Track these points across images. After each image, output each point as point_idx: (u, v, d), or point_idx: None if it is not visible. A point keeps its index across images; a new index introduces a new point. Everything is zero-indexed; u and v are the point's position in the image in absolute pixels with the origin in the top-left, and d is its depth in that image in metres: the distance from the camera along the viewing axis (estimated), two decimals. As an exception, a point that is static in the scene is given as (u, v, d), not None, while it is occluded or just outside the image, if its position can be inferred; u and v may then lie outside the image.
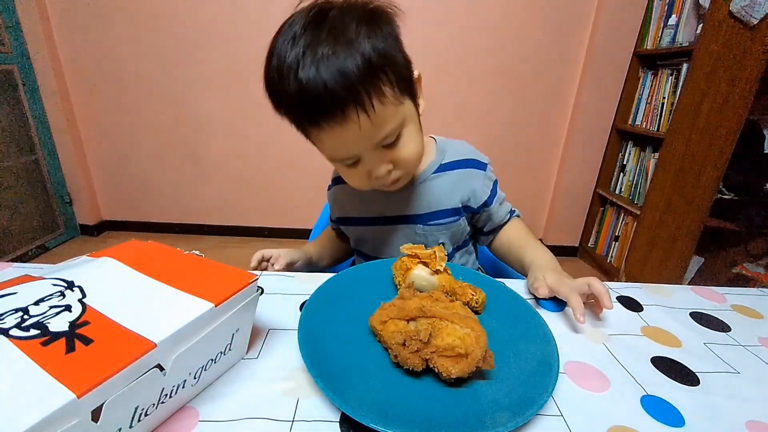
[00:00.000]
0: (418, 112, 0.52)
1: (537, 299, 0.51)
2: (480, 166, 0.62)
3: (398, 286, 0.49)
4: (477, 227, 0.67)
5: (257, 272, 0.54)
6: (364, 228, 0.65)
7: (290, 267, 0.63)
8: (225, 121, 2.01)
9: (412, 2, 1.68)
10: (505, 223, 0.65)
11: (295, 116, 0.47)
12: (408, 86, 0.49)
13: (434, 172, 0.61)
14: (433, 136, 0.66)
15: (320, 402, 0.33)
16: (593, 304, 0.49)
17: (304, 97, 0.42)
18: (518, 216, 0.67)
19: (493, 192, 0.63)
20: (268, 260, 0.62)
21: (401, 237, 0.62)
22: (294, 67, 0.41)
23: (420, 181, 0.60)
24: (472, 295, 0.46)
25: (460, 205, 0.61)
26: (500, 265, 0.74)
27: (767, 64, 1.33)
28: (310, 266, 0.68)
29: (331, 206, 0.70)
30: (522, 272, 0.59)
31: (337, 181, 0.68)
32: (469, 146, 0.65)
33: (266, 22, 1.87)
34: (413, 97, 0.51)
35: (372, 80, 0.42)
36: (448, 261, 0.56)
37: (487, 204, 0.62)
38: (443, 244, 0.62)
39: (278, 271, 0.59)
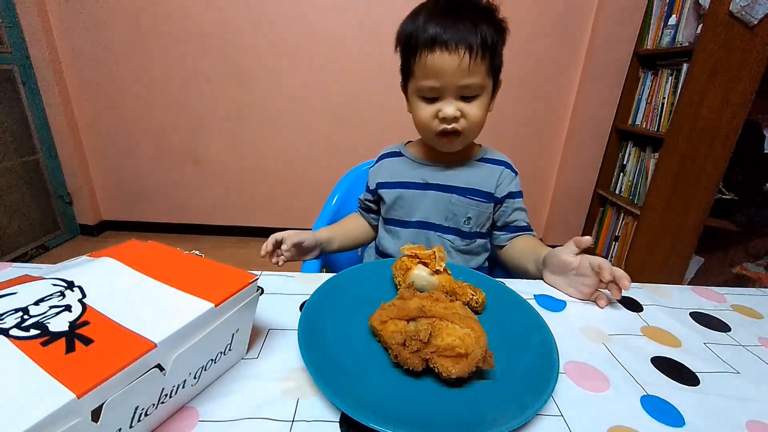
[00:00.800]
0: (490, 105, 0.65)
1: (538, 300, 0.51)
2: (513, 170, 0.73)
3: (398, 286, 0.49)
4: (493, 223, 0.73)
5: (257, 272, 0.54)
6: (403, 190, 0.72)
7: (299, 248, 0.67)
8: (225, 121, 2.01)
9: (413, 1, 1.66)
10: (520, 232, 0.71)
11: (418, 41, 0.58)
12: (494, 76, 0.63)
13: (477, 160, 0.72)
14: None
15: (320, 402, 0.33)
16: (612, 287, 0.51)
17: (435, 28, 0.57)
18: (534, 235, 0.72)
19: (517, 194, 0.72)
20: (280, 243, 0.66)
21: (436, 202, 0.70)
22: (434, 16, 0.58)
23: (465, 164, 0.71)
24: (472, 295, 0.46)
25: (491, 192, 0.70)
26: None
27: (767, 64, 1.33)
28: (320, 249, 0.71)
29: (373, 176, 0.77)
30: (536, 272, 0.61)
31: (387, 156, 0.77)
32: (506, 157, 0.75)
33: (266, 23, 1.88)
34: (493, 89, 0.64)
35: (483, 44, 0.57)
36: (466, 245, 0.70)
37: (510, 196, 0.70)
38: (470, 218, 0.69)
39: (286, 252, 0.65)
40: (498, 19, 0.61)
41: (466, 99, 0.61)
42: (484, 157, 0.72)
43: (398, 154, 0.75)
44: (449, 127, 0.61)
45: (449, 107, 0.60)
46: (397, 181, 0.73)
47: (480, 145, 0.75)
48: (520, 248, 0.69)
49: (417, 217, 0.71)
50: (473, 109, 0.61)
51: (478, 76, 0.59)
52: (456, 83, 0.58)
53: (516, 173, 0.73)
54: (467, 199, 0.69)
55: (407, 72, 0.64)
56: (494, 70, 0.62)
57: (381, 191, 0.75)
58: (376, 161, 0.79)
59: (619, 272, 0.49)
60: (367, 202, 0.79)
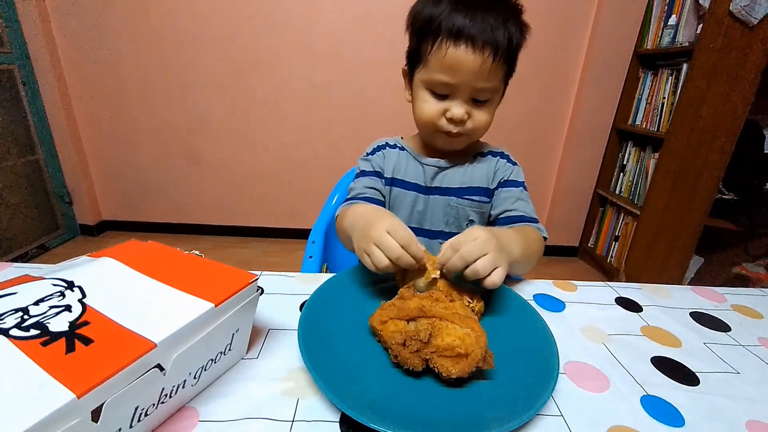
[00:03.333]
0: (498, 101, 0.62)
1: (537, 300, 0.51)
2: (510, 161, 0.69)
3: (398, 285, 0.48)
4: (491, 212, 0.67)
5: (257, 272, 0.54)
6: (405, 191, 0.68)
7: None
8: (225, 121, 2.01)
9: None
10: (521, 223, 0.62)
11: (440, 28, 0.53)
12: (506, 82, 0.60)
13: (474, 155, 0.69)
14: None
15: (320, 402, 0.33)
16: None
17: (464, 19, 0.52)
18: (542, 233, 0.62)
19: (514, 183, 0.67)
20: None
21: (437, 207, 0.67)
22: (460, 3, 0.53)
23: (462, 159, 0.68)
24: (469, 302, 0.43)
25: (489, 187, 0.67)
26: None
27: (767, 65, 1.33)
28: None
29: (380, 163, 0.70)
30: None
31: (387, 146, 0.71)
32: (505, 150, 0.72)
33: (266, 23, 1.88)
34: (501, 94, 0.61)
35: (508, 48, 0.54)
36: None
37: (505, 185, 0.67)
38: (472, 221, 0.67)
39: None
40: (523, 21, 0.57)
41: (477, 102, 0.57)
42: (482, 152, 0.69)
43: (398, 147, 0.70)
44: (455, 130, 0.58)
45: (458, 108, 0.56)
46: (400, 178, 0.68)
47: (478, 141, 0.70)
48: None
49: (415, 222, 0.68)
50: (482, 114, 0.58)
51: (495, 80, 0.55)
52: (472, 84, 0.54)
53: (514, 163, 0.69)
54: (466, 200, 0.66)
55: (417, 58, 0.59)
56: (508, 76, 0.59)
57: (388, 187, 0.69)
58: (376, 149, 0.71)
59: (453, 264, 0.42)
60: (374, 190, 0.67)
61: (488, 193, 0.67)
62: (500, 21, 0.52)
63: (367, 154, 0.72)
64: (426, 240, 0.67)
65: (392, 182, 0.69)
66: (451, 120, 0.57)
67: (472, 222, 0.66)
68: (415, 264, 0.43)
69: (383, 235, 0.43)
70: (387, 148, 0.71)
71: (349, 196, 0.68)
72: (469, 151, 0.69)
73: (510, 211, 0.63)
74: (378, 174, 0.69)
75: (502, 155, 0.69)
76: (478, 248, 0.42)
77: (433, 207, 0.67)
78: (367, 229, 0.46)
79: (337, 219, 0.67)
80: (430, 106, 0.58)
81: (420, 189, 0.67)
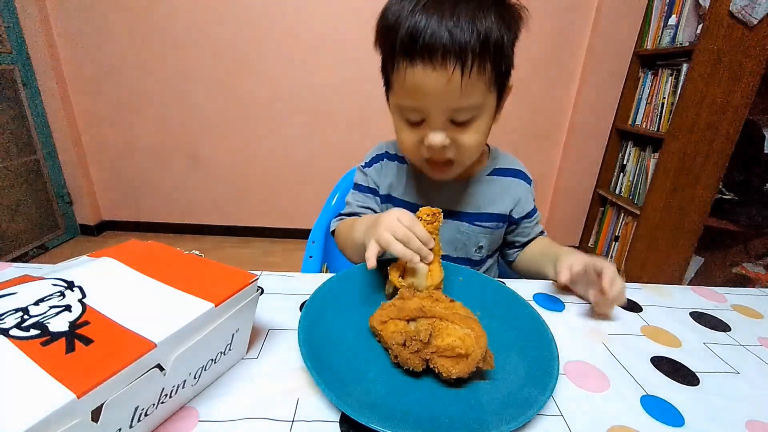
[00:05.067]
0: (494, 117, 0.52)
1: (537, 300, 0.51)
2: (526, 179, 0.64)
3: (395, 285, 0.47)
4: (508, 240, 0.67)
5: (257, 272, 0.54)
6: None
7: None
8: (225, 121, 2.01)
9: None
10: (533, 238, 0.65)
11: (395, 43, 0.45)
12: (501, 85, 0.50)
13: (488, 174, 0.61)
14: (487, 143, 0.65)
15: (320, 402, 0.33)
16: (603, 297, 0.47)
17: (417, 27, 0.42)
18: (545, 235, 0.67)
19: (535, 209, 0.65)
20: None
21: (444, 232, 0.58)
22: (418, 5, 0.43)
23: (474, 180, 0.60)
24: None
25: (506, 213, 0.61)
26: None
27: (767, 65, 1.33)
28: None
29: (377, 178, 0.65)
30: (552, 275, 0.56)
31: (386, 157, 0.65)
32: (518, 160, 0.66)
33: (267, 22, 1.88)
34: (499, 99, 0.51)
35: (483, 50, 0.43)
36: (475, 269, 0.58)
37: (528, 216, 0.63)
38: (482, 247, 0.62)
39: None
40: (509, 5, 0.47)
41: (459, 123, 0.48)
42: (496, 168, 0.62)
43: (398, 158, 0.64)
44: (438, 159, 0.51)
45: (436, 136, 0.48)
46: (399, 198, 0.63)
47: (488, 149, 0.64)
48: (534, 252, 0.63)
49: None
50: (467, 137, 0.49)
51: (474, 95, 0.46)
52: (444, 106, 0.46)
53: (530, 181, 0.64)
54: (478, 227, 0.60)
55: (386, 79, 0.51)
56: (500, 77, 0.48)
57: (382, 205, 0.65)
58: (375, 159, 0.66)
59: (617, 289, 0.44)
60: (368, 209, 0.65)
61: (504, 219, 0.62)
62: (465, 17, 0.42)
63: (365, 165, 0.67)
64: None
65: (386, 199, 0.64)
66: (431, 148, 0.49)
67: (481, 248, 0.62)
68: (423, 249, 0.44)
69: (393, 220, 0.45)
70: (386, 159, 0.65)
71: (344, 211, 0.67)
72: (481, 164, 0.62)
73: (531, 237, 0.65)
74: (373, 191, 0.65)
75: (521, 175, 0.63)
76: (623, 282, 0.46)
77: (442, 230, 0.57)
78: (376, 221, 0.47)
79: (335, 232, 0.67)
80: (406, 136, 0.51)
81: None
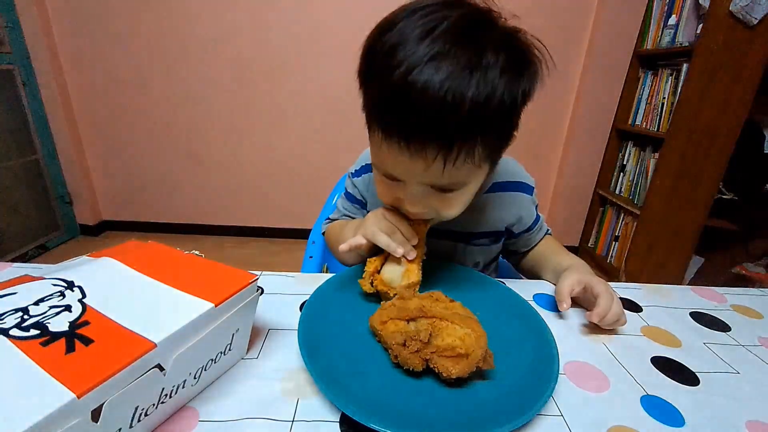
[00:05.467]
0: (489, 173, 0.45)
1: (537, 300, 0.51)
2: (528, 190, 0.60)
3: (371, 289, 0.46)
4: (509, 249, 0.66)
5: (257, 272, 0.54)
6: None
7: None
8: (225, 121, 2.01)
9: None
10: (539, 242, 0.64)
11: (372, 110, 0.40)
12: (497, 155, 0.43)
13: (486, 192, 0.56)
14: None
15: (320, 402, 0.33)
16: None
17: (399, 93, 0.34)
18: (550, 234, 0.66)
19: (537, 218, 0.62)
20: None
21: (440, 250, 0.57)
22: (408, 63, 0.33)
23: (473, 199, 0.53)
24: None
25: (504, 229, 0.60)
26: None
27: (767, 64, 1.33)
28: None
29: (363, 194, 0.62)
30: (554, 281, 0.56)
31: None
32: (518, 166, 0.61)
33: (267, 22, 1.88)
34: (494, 164, 0.44)
35: (475, 133, 0.36)
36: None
37: (528, 230, 0.62)
38: (478, 263, 0.62)
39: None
40: (528, 63, 0.38)
41: (443, 190, 0.42)
42: (496, 183, 0.57)
43: None
44: (412, 218, 0.47)
45: (415, 205, 0.43)
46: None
47: None
48: (537, 252, 0.63)
49: None
50: (449, 206, 0.44)
51: (461, 173, 0.39)
52: (423, 181, 0.41)
53: (532, 189, 0.60)
54: (476, 247, 0.59)
55: (366, 122, 0.43)
56: (495, 151, 0.41)
57: None
58: (363, 169, 0.63)
59: (611, 317, 0.43)
60: (352, 217, 0.64)
61: (502, 234, 0.61)
62: (467, 78, 0.33)
63: (354, 173, 0.63)
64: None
65: None
66: (407, 212, 0.45)
67: (478, 264, 0.62)
68: (407, 244, 0.45)
69: (378, 215, 0.47)
70: (370, 172, 0.61)
71: (332, 216, 0.67)
72: (481, 187, 0.57)
73: (534, 243, 0.64)
74: (360, 203, 0.63)
75: (522, 186, 0.59)
76: (619, 301, 0.45)
77: (437, 251, 0.55)
78: (364, 219, 0.49)
79: (325, 234, 0.67)
80: (383, 192, 0.46)
81: None
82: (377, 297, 0.47)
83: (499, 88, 0.34)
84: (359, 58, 0.39)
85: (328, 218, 0.69)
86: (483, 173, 0.43)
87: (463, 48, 0.33)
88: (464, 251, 0.60)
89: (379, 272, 0.47)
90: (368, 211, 0.62)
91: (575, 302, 0.50)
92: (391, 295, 0.45)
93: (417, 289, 0.46)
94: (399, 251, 0.45)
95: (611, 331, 0.46)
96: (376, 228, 0.46)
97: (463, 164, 0.37)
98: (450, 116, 0.34)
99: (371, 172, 0.59)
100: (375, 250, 0.48)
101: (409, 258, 0.46)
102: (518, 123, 0.40)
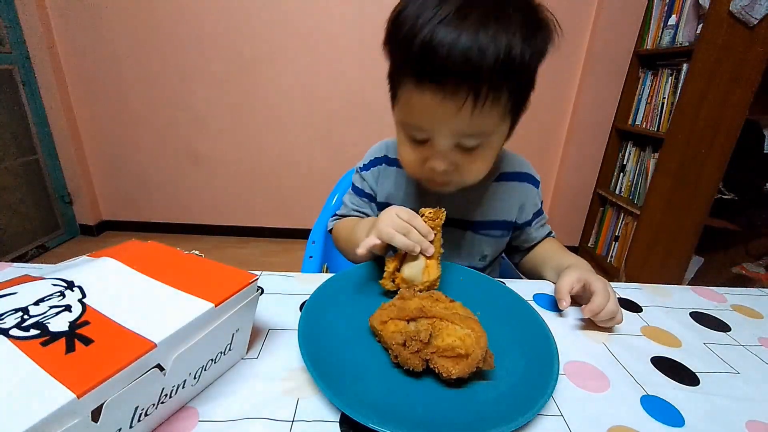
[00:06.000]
0: (505, 140, 0.49)
1: (537, 300, 0.51)
2: (535, 183, 0.62)
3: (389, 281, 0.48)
4: (512, 244, 0.66)
5: (257, 272, 0.54)
6: None
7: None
8: (225, 120, 2.01)
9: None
10: (540, 241, 0.65)
11: (404, 63, 0.42)
12: (518, 110, 0.46)
13: (495, 180, 0.58)
14: None
15: (320, 402, 0.33)
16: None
17: (431, 44, 0.37)
18: (553, 236, 0.66)
19: (539, 212, 0.63)
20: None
21: (447, 240, 0.56)
22: (436, 17, 0.38)
23: (479, 188, 0.56)
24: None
25: (512, 220, 0.60)
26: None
27: (767, 64, 1.33)
28: None
29: (373, 183, 0.63)
30: (555, 280, 0.56)
31: (385, 161, 0.62)
32: (526, 161, 0.63)
33: (267, 22, 1.88)
34: (513, 123, 0.48)
35: (502, 76, 0.39)
36: (480, 270, 0.58)
37: (529, 223, 0.62)
38: (486, 256, 0.62)
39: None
40: (541, 23, 0.43)
41: (466, 149, 0.45)
42: (502, 173, 0.59)
43: (396, 163, 0.61)
44: (440, 180, 0.49)
45: (440, 163, 0.46)
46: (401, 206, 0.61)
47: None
48: (539, 253, 0.63)
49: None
50: (473, 165, 0.47)
51: (485, 123, 0.43)
52: (451, 131, 0.44)
53: (538, 183, 0.62)
54: (483, 236, 0.60)
55: (392, 87, 0.47)
56: (517, 104, 0.45)
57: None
58: (373, 162, 0.64)
59: (605, 314, 0.44)
60: (363, 214, 0.64)
61: (510, 225, 0.61)
62: (491, 33, 0.37)
63: (363, 167, 0.65)
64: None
65: (384, 207, 0.62)
66: (432, 170, 0.47)
67: (485, 257, 0.62)
68: (424, 241, 0.45)
69: (392, 215, 0.46)
70: (384, 164, 0.63)
71: (339, 212, 0.67)
72: (488, 175, 0.58)
73: (536, 240, 0.64)
74: (369, 196, 0.64)
75: (529, 179, 0.61)
76: (615, 299, 0.45)
77: (445, 240, 0.57)
78: (378, 219, 0.48)
79: (333, 231, 0.67)
80: (408, 154, 0.49)
81: None
82: (391, 295, 0.47)
83: (522, 42, 0.39)
84: (387, 24, 0.43)
85: (335, 214, 0.68)
86: (503, 131, 0.46)
87: (487, 3, 0.39)
88: (472, 241, 0.60)
89: (399, 270, 0.47)
90: (377, 204, 0.64)
91: (576, 301, 0.50)
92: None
93: (437, 285, 0.47)
94: (417, 249, 0.45)
95: (611, 332, 0.46)
96: (391, 229, 0.45)
97: (490, 111, 0.41)
98: (480, 60, 0.37)
99: (380, 165, 0.62)
100: (388, 249, 0.49)
101: (428, 255, 0.46)
102: (534, 84, 0.45)
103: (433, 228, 0.47)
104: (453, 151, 0.46)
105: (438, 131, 0.44)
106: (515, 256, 0.68)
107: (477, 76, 0.38)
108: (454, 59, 0.37)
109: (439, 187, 0.52)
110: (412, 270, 0.46)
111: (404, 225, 0.45)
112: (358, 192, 0.65)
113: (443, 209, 0.48)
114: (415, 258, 0.46)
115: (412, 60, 0.40)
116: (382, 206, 0.63)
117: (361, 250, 0.47)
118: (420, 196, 0.61)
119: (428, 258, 0.46)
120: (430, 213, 0.47)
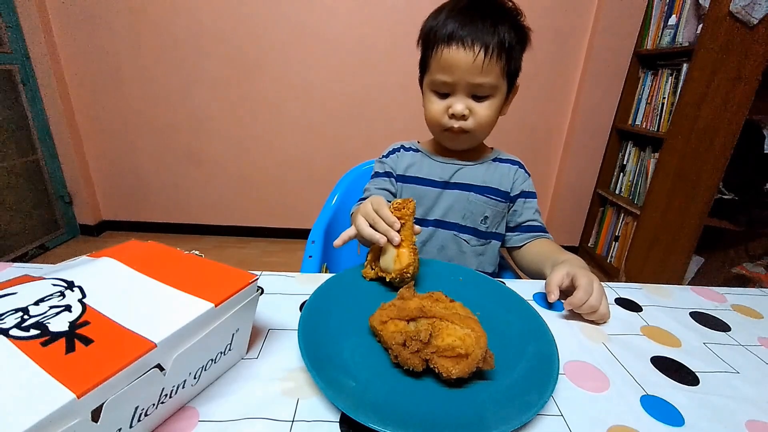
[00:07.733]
0: (503, 107, 0.67)
1: (537, 300, 0.51)
2: (525, 171, 0.74)
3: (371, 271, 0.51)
4: (508, 226, 0.74)
5: (257, 272, 0.54)
6: (422, 187, 0.72)
7: None
8: (225, 121, 2.01)
9: (414, 2, 1.70)
10: (536, 233, 0.70)
11: (437, 35, 0.60)
12: (510, 79, 0.64)
13: (493, 160, 0.73)
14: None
15: (320, 402, 0.33)
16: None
17: (454, 25, 0.58)
18: (551, 238, 0.71)
19: (530, 194, 0.73)
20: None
21: (455, 201, 0.71)
22: (454, 10, 0.60)
23: (480, 163, 0.72)
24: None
25: (507, 191, 0.71)
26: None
27: (767, 65, 1.33)
28: None
29: (393, 165, 0.76)
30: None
31: (402, 148, 0.77)
32: (519, 159, 0.76)
33: (267, 22, 1.88)
34: (508, 93, 0.66)
35: (500, 47, 0.58)
36: (482, 245, 0.72)
37: (523, 195, 0.72)
38: (487, 217, 0.71)
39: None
40: (520, 24, 0.62)
41: (478, 98, 0.62)
42: (498, 158, 0.74)
43: (413, 149, 0.75)
44: (456, 125, 0.63)
45: (459, 104, 0.61)
46: (416, 176, 0.73)
47: (492, 148, 0.77)
48: (537, 251, 0.67)
49: (434, 216, 0.71)
50: (483, 109, 0.62)
51: (491, 75, 0.59)
52: (468, 80, 0.59)
53: (528, 175, 0.74)
54: (485, 197, 0.70)
55: (424, 66, 0.66)
56: (510, 73, 0.63)
57: (401, 184, 0.74)
58: (392, 151, 0.77)
59: (585, 308, 0.46)
60: (385, 191, 0.73)
61: (505, 197, 0.71)
62: (490, 25, 0.58)
63: (383, 157, 0.78)
64: (444, 231, 0.72)
65: (404, 179, 0.74)
66: (453, 115, 0.62)
67: (486, 218, 0.71)
68: (390, 231, 0.49)
69: (367, 206, 0.52)
70: (402, 150, 0.76)
71: (363, 196, 0.75)
72: (485, 155, 0.74)
73: (532, 221, 0.72)
74: (389, 174, 0.75)
75: (519, 165, 0.74)
76: (600, 295, 0.47)
77: (451, 201, 0.71)
78: (359, 208, 0.55)
79: (352, 216, 0.71)
80: (434, 105, 0.64)
81: (438, 184, 0.71)
82: (390, 286, 0.50)
83: (509, 33, 0.59)
84: (421, 31, 0.65)
85: (360, 199, 0.75)
86: (503, 90, 0.63)
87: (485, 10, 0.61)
88: (476, 201, 0.70)
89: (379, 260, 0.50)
90: (396, 178, 0.75)
91: (566, 294, 0.50)
92: (388, 279, 0.49)
93: (411, 271, 0.48)
94: (381, 241, 0.49)
95: (611, 332, 0.46)
96: (362, 220, 0.51)
97: (494, 65, 0.59)
98: (486, 34, 0.58)
99: (399, 151, 0.77)
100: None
101: (394, 243, 0.48)
102: (520, 66, 0.65)
103: (401, 217, 0.50)
104: (469, 100, 0.62)
105: (459, 80, 0.60)
106: (507, 238, 0.74)
107: (484, 41, 0.57)
108: (469, 31, 0.58)
109: (455, 138, 0.66)
110: (385, 258, 0.49)
111: (373, 216, 0.51)
112: (380, 174, 0.76)
113: (412, 200, 0.51)
114: (389, 247, 0.49)
115: (444, 33, 0.59)
116: (401, 178, 0.74)
117: (338, 242, 0.53)
118: (435, 167, 0.72)
119: (396, 247, 0.48)
120: (397, 204, 0.51)
